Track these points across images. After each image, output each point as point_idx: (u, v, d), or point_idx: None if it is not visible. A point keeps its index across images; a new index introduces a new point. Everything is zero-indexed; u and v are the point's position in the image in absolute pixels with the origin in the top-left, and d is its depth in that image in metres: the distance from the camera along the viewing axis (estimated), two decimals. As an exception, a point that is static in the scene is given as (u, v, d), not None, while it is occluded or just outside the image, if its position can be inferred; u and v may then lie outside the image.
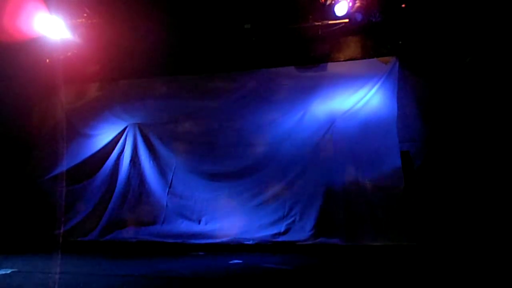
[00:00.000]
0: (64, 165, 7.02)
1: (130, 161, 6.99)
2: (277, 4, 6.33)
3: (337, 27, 6.40)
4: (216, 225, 6.39)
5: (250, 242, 6.02)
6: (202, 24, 6.65)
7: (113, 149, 7.09)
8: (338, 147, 6.33)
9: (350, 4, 6.03)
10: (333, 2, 6.07)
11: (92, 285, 3.88)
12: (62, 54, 6.92)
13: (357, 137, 6.27)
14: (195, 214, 6.59)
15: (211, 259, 5.47)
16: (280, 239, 6.02)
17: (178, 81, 7.34)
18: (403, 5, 6.13)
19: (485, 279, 3.97)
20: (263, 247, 5.93)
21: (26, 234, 6.47)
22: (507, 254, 4.88)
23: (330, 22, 6.37)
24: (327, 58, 6.80)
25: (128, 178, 6.92)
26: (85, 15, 6.48)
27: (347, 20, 6.25)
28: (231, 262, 5.12)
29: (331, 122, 6.43)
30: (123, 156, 7.04)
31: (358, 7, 6.11)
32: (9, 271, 4.46)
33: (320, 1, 6.14)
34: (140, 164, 6.99)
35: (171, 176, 6.88)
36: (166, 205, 6.71)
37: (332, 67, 6.76)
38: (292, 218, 6.19)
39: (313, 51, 6.78)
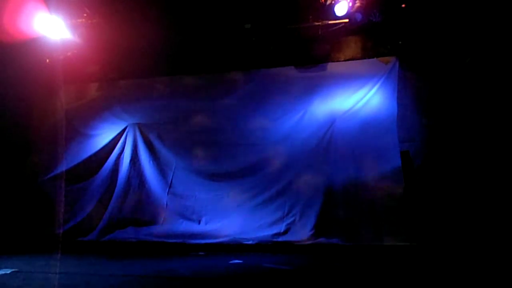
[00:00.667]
0: (64, 165, 7.02)
1: (130, 161, 6.99)
2: (277, 4, 6.33)
3: (337, 27, 6.40)
4: (216, 225, 6.39)
5: (250, 242, 6.02)
6: (202, 24, 6.65)
7: (113, 149, 7.09)
8: (338, 147, 6.33)
9: (350, 4, 6.03)
10: (333, 2, 6.07)
11: (92, 285, 3.88)
12: (62, 54, 6.92)
13: (357, 137, 6.27)
14: (195, 214, 6.60)
15: (211, 259, 5.47)
16: (280, 239, 6.02)
17: (178, 81, 7.33)
18: (403, 5, 6.13)
19: (485, 279, 3.97)
20: (263, 247, 5.93)
21: (26, 234, 6.47)
22: (507, 254, 4.88)
23: (330, 22, 6.37)
24: (327, 58, 6.80)
25: (128, 178, 6.92)
26: (85, 15, 6.48)
27: (347, 20, 6.25)
28: (231, 262, 5.12)
29: (331, 122, 6.43)
30: (123, 156, 7.04)
31: (358, 7, 6.11)
32: (9, 271, 4.46)
33: (320, 1, 6.14)
34: (140, 164, 6.99)
35: (171, 176, 6.88)
36: (166, 205, 6.71)
37: (332, 67, 6.76)
38: (292, 218, 6.19)
39: (313, 51, 6.78)
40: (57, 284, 3.98)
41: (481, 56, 6.01)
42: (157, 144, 7.06)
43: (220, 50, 7.07)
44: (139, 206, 6.79)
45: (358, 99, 6.40)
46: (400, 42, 6.45)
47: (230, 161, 6.73)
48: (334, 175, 6.23)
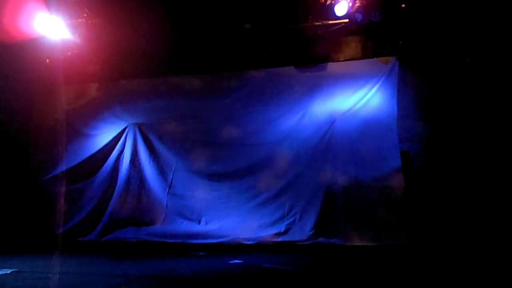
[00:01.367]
0: (64, 165, 7.03)
1: (130, 161, 6.99)
2: (277, 4, 6.33)
3: (337, 27, 6.40)
4: (216, 225, 6.40)
5: (250, 242, 6.02)
6: (202, 24, 6.65)
7: (113, 149, 7.10)
8: (338, 147, 6.33)
9: (350, 4, 6.03)
10: (333, 2, 6.07)
11: (92, 285, 3.89)
12: (62, 54, 6.92)
13: (357, 137, 6.27)
14: (195, 214, 6.60)
15: (211, 259, 5.47)
16: (280, 239, 6.02)
17: (178, 81, 7.33)
18: (403, 5, 6.13)
19: (485, 279, 3.97)
20: (263, 247, 5.93)
21: (26, 234, 6.47)
22: (507, 254, 4.88)
23: (330, 22, 6.38)
24: (327, 58, 6.80)
25: (128, 178, 6.92)
26: (85, 15, 6.47)
27: (347, 20, 6.25)
28: (231, 262, 5.12)
29: (331, 122, 6.44)
30: (123, 156, 7.05)
31: (358, 7, 6.11)
32: (9, 271, 4.46)
33: (320, 1, 6.14)
34: (140, 164, 6.99)
35: (171, 176, 6.88)
36: (166, 205, 6.71)
37: (332, 67, 6.76)
38: (292, 218, 6.19)
39: (313, 51, 6.78)
40: (57, 284, 3.98)
41: (481, 56, 6.01)
42: (157, 144, 7.06)
43: (220, 50, 7.07)
44: (139, 206, 6.80)
45: (358, 99, 6.41)
46: (400, 42, 6.45)
47: (230, 161, 6.73)
48: (334, 175, 6.23)
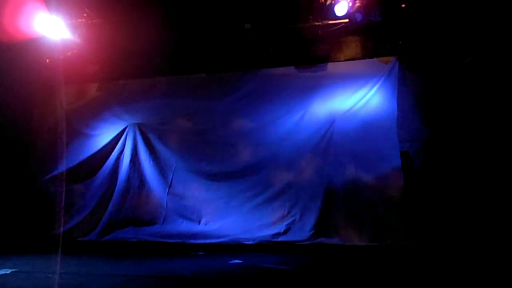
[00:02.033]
0: (64, 165, 7.01)
1: (130, 161, 6.98)
2: (277, 4, 6.33)
3: (337, 27, 6.41)
4: (216, 225, 6.39)
5: (250, 242, 6.02)
6: (202, 24, 6.65)
7: (113, 149, 7.09)
8: (338, 147, 6.33)
9: (350, 4, 6.03)
10: (333, 2, 6.07)
11: (92, 285, 3.88)
12: (62, 54, 6.92)
13: (357, 137, 6.27)
14: (195, 214, 6.60)
15: (211, 259, 5.47)
16: (280, 239, 6.02)
17: (178, 81, 7.33)
18: (403, 5, 6.14)
19: (485, 279, 3.97)
20: (263, 247, 5.93)
21: (26, 234, 6.47)
22: (507, 254, 4.88)
23: (330, 22, 6.38)
24: (327, 58, 6.80)
25: (128, 178, 6.92)
26: (85, 15, 6.48)
27: (347, 20, 6.25)
28: (231, 262, 5.11)
29: (331, 122, 6.43)
30: (123, 156, 7.04)
31: (358, 7, 6.11)
32: (9, 271, 4.46)
33: (320, 1, 6.15)
34: (140, 164, 6.99)
35: (171, 176, 6.87)
36: (166, 205, 6.71)
37: (332, 67, 6.76)
38: (292, 218, 6.19)
39: (313, 51, 6.79)
40: (57, 284, 3.98)
41: (481, 56, 6.01)
42: (157, 144, 7.06)
43: (220, 50, 7.07)
44: (139, 206, 6.79)
45: (358, 99, 6.40)
46: (400, 42, 6.45)
47: (230, 161, 6.73)
48: (334, 175, 6.23)
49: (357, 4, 6.10)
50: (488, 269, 4.39)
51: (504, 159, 5.62)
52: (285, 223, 6.17)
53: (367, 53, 6.67)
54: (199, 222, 6.53)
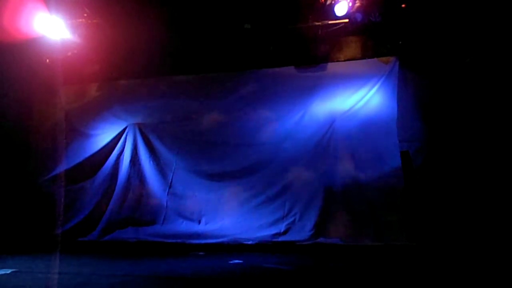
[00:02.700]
0: (64, 165, 7.02)
1: (130, 161, 6.98)
2: (277, 4, 6.33)
3: (337, 27, 6.41)
4: (216, 225, 6.39)
5: (250, 242, 6.02)
6: (202, 24, 6.65)
7: (113, 149, 7.09)
8: (338, 147, 6.33)
9: (350, 4, 6.03)
10: (333, 2, 6.07)
11: (92, 285, 3.89)
12: (62, 54, 6.92)
13: (357, 137, 6.27)
14: (195, 214, 6.60)
15: (211, 259, 5.47)
16: (280, 239, 6.02)
17: (178, 81, 7.33)
18: (403, 5, 6.14)
19: (485, 279, 3.97)
20: (263, 247, 5.93)
21: (26, 234, 6.47)
22: (507, 254, 4.88)
23: (330, 22, 6.38)
24: (327, 58, 6.80)
25: (128, 178, 6.91)
26: (85, 15, 6.48)
27: (347, 20, 6.25)
28: (231, 262, 5.12)
29: (331, 122, 6.43)
30: (123, 156, 7.04)
31: (358, 7, 6.11)
32: (9, 271, 4.46)
33: (320, 1, 6.14)
34: (140, 164, 6.98)
35: (171, 176, 6.87)
36: (166, 205, 6.71)
37: (332, 67, 6.76)
38: (292, 218, 6.19)
39: (313, 51, 6.78)
40: (57, 284, 3.98)
41: (481, 56, 6.01)
42: (157, 144, 7.06)
43: (220, 50, 7.07)
44: (139, 206, 6.79)
45: (358, 99, 6.40)
46: (400, 42, 6.45)
47: (230, 161, 6.73)
48: (334, 175, 6.23)
49: (357, 4, 6.10)
50: (488, 269, 4.39)
51: (504, 159, 5.62)
52: (285, 223, 6.17)
53: (367, 53, 6.67)
54: (199, 222, 6.53)
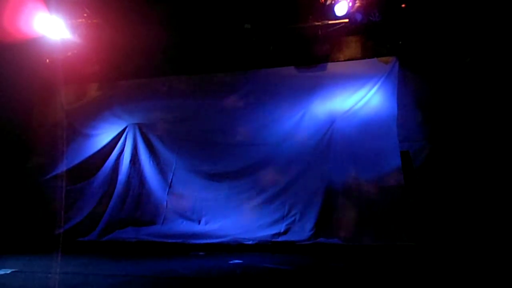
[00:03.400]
0: (64, 165, 7.02)
1: (130, 161, 6.98)
2: (277, 4, 6.33)
3: (337, 27, 6.40)
4: (216, 225, 6.39)
5: (250, 242, 6.01)
6: (202, 24, 6.65)
7: (113, 149, 7.09)
8: (338, 147, 6.33)
9: (350, 4, 6.03)
10: (333, 2, 6.07)
11: (92, 285, 3.89)
12: (62, 54, 6.92)
13: (357, 137, 6.27)
14: (195, 214, 6.60)
15: (211, 259, 5.47)
16: (280, 239, 6.02)
17: (178, 81, 7.33)
18: (403, 5, 6.14)
19: (485, 279, 3.97)
20: (263, 247, 5.93)
21: (26, 234, 6.47)
22: (507, 254, 4.88)
23: (330, 22, 6.38)
24: (327, 58, 6.80)
25: (128, 178, 6.91)
26: (85, 15, 6.48)
27: (347, 20, 6.25)
28: (231, 262, 5.12)
29: (331, 122, 6.44)
30: (123, 156, 7.04)
31: (358, 7, 6.11)
32: (9, 271, 4.46)
33: (320, 1, 6.14)
34: (140, 164, 6.99)
35: (171, 176, 6.87)
36: (166, 205, 6.71)
37: (332, 67, 6.77)
38: (292, 218, 6.19)
39: (313, 51, 6.78)
40: (57, 284, 3.98)
41: (481, 56, 6.01)
42: (157, 144, 7.06)
43: (220, 50, 7.07)
44: (139, 206, 6.79)
45: (358, 99, 6.40)
46: (400, 42, 6.45)
47: (230, 161, 6.73)
48: (334, 175, 6.23)
49: (357, 4, 6.10)
50: (488, 268, 4.39)
51: (504, 159, 5.62)
52: (285, 223, 6.17)
53: (367, 53, 6.67)
54: (199, 222, 6.53)
